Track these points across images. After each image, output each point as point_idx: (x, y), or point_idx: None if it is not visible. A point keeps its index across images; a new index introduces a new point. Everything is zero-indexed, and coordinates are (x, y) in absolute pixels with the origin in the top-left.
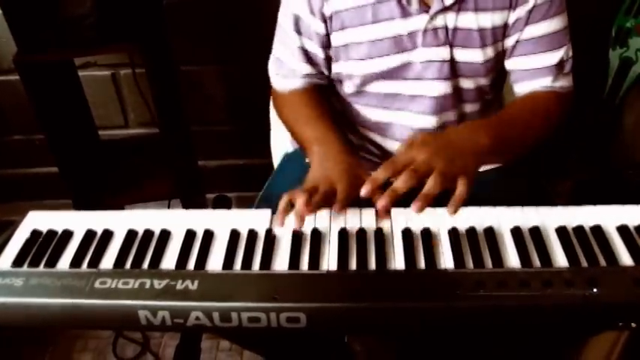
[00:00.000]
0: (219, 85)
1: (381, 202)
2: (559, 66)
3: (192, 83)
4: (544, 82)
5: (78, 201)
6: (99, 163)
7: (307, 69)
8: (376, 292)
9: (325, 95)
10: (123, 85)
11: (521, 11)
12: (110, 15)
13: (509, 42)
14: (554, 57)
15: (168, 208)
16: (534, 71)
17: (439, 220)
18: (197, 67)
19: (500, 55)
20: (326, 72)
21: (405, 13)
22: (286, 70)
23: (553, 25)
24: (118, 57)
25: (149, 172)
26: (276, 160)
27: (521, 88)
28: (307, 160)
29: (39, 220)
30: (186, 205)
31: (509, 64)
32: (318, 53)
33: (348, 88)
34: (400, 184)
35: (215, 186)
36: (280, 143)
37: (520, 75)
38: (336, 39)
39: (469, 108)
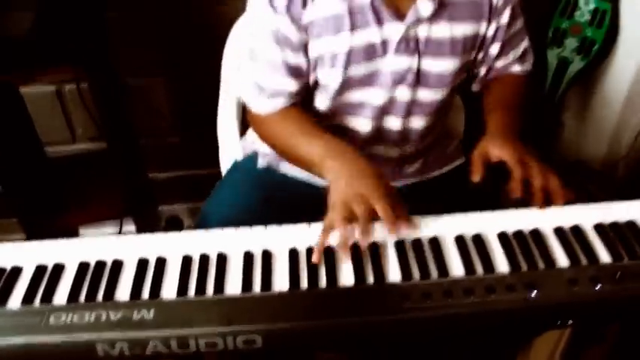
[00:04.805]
0: (165, 96)
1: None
2: (524, 53)
3: (138, 96)
4: (514, 69)
5: (26, 223)
6: (46, 182)
7: (293, 85)
8: (327, 310)
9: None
10: (68, 99)
11: (498, 22)
12: (50, 36)
13: (492, 50)
14: (521, 48)
15: (121, 226)
16: (508, 64)
17: (385, 234)
18: (142, 79)
19: (469, 63)
20: (307, 83)
21: (380, 20)
22: (269, 90)
23: (519, 21)
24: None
25: (99, 189)
26: (225, 169)
27: (489, 77)
28: (325, 178)
29: None
30: (139, 224)
31: (486, 63)
32: (303, 64)
33: (320, 96)
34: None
35: (167, 197)
36: (229, 152)
37: (494, 70)
38: (312, 48)
39: (422, 120)
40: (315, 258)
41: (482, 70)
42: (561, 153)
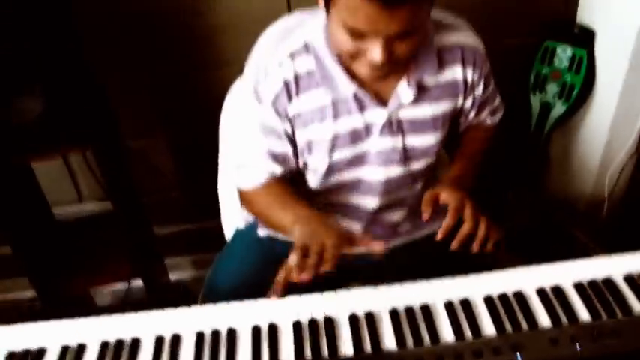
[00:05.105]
0: (165, 155)
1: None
2: (496, 109)
3: (139, 156)
4: (486, 122)
5: (37, 284)
6: (55, 244)
7: (277, 169)
8: None
9: (291, 183)
10: (74, 162)
11: (474, 94)
12: (59, 119)
13: (471, 115)
14: (493, 105)
15: (129, 283)
16: (481, 120)
17: (380, 302)
18: (143, 140)
19: (449, 132)
20: (294, 166)
21: (362, 107)
22: (254, 170)
23: (491, 85)
24: None
25: (107, 252)
26: (228, 234)
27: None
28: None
29: (10, 340)
30: (147, 280)
31: (463, 124)
32: (288, 151)
33: (310, 178)
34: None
35: (171, 250)
36: (230, 220)
37: (470, 125)
38: (299, 136)
39: (416, 186)
40: (273, 295)
41: (461, 129)
42: (549, 194)
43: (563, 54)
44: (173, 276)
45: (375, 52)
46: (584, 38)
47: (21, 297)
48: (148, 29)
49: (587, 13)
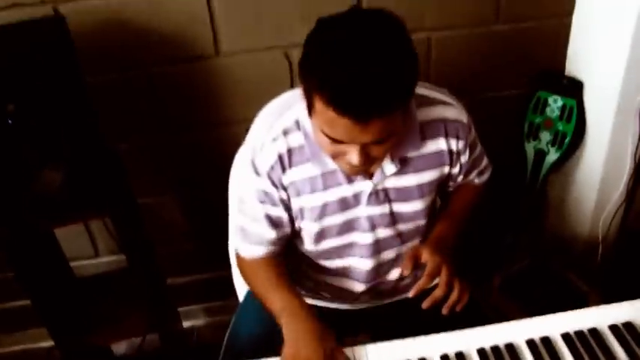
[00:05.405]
0: (178, 210)
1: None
2: (483, 170)
3: (153, 212)
4: (474, 182)
5: (58, 340)
6: (75, 302)
7: (273, 234)
8: None
9: (284, 261)
10: (92, 223)
11: (460, 162)
12: (80, 189)
13: (458, 179)
14: (481, 167)
15: (144, 340)
16: (470, 180)
17: (381, 356)
18: (156, 197)
19: (436, 197)
20: (289, 231)
21: (350, 179)
22: (252, 237)
23: (478, 148)
24: None
25: (124, 306)
26: (240, 294)
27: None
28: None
29: None
30: (162, 333)
31: (452, 186)
32: (283, 216)
33: (306, 242)
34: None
35: (184, 299)
36: (242, 281)
37: (458, 184)
38: (293, 203)
39: (407, 245)
40: None
41: (450, 189)
42: (546, 238)
43: (555, 104)
44: (186, 323)
45: (352, 157)
46: (574, 89)
47: (39, 346)
48: (156, 90)
49: (575, 65)
